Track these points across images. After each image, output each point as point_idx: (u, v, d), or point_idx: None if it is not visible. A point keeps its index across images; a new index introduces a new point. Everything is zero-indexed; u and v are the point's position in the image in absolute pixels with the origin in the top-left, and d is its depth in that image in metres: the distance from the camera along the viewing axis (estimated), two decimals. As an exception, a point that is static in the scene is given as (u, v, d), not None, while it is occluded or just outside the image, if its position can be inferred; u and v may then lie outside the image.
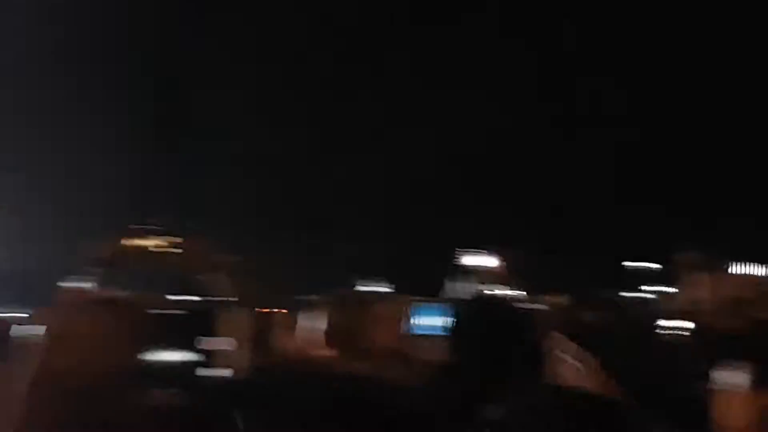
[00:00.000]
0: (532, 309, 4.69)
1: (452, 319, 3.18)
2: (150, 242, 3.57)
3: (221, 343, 2.04)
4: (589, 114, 24.63)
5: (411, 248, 22.86)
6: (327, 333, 5.17)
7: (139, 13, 24.31)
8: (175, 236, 3.68)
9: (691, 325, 6.55)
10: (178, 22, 24.47)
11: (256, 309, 4.11)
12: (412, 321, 4.33)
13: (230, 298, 3.65)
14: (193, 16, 24.44)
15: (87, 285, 4.44)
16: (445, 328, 3.18)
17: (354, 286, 7.43)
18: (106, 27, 25.12)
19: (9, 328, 6.94)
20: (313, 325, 5.22)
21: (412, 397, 2.67)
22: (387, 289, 6.50)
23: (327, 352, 4.49)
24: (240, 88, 24.34)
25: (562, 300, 6.13)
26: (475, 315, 3.17)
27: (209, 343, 2.01)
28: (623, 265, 18.45)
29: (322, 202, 24.48)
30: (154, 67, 25.21)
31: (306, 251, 22.73)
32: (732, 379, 2.29)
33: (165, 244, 3.60)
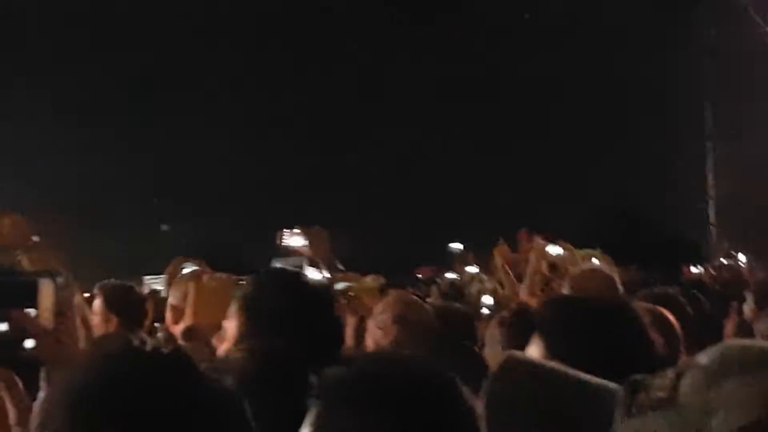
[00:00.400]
0: (330, 284, 4.79)
1: (251, 294, 3.24)
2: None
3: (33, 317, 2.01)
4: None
5: (231, 228, 22.74)
6: (150, 312, 5.15)
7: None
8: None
9: (506, 302, 6.82)
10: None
11: (73, 288, 4.03)
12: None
13: (43, 276, 3.55)
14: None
15: None
16: (246, 304, 3.24)
17: (177, 267, 7.37)
18: None
19: None
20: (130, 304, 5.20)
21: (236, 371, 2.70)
22: (208, 269, 6.49)
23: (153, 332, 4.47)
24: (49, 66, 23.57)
25: (379, 280, 6.28)
26: (267, 289, 3.24)
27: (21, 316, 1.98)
28: (447, 246, 18.86)
29: (142, 182, 24.01)
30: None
31: (128, 231, 22.28)
32: (535, 352, 2.42)
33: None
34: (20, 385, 2.18)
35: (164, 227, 24.08)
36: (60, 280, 2.14)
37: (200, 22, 24.51)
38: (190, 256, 7.11)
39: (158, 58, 24.46)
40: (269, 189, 23.70)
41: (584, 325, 2.34)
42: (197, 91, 24.67)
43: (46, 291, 1.80)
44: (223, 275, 4.87)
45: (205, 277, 4.71)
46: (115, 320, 5.06)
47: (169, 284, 7.06)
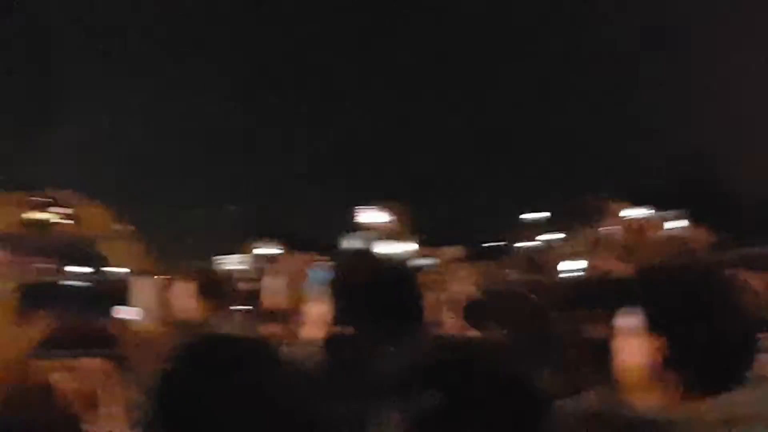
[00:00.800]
0: (410, 262, 4.73)
1: (333, 276, 3.21)
2: (45, 213, 3.44)
3: (128, 314, 1.99)
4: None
5: (304, 207, 22.83)
6: (230, 297, 5.14)
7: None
8: (69, 206, 3.55)
9: (587, 270, 6.72)
10: None
11: (158, 276, 4.05)
12: (312, 280, 4.33)
13: (130, 267, 3.60)
14: None
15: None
16: (328, 287, 3.21)
17: (250, 248, 7.42)
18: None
19: None
20: (217, 290, 5.21)
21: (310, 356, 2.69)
22: (282, 250, 6.50)
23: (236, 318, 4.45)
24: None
25: (457, 252, 6.23)
26: (352, 271, 3.20)
27: (116, 313, 1.97)
28: (520, 216, 18.72)
29: (206, 167, 24.20)
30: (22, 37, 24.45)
31: (194, 216, 22.50)
32: (627, 323, 2.35)
33: (60, 214, 3.47)
34: (118, 377, 2.19)
35: (231, 207, 24.26)
36: (154, 277, 2.15)
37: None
38: (261, 236, 7.14)
39: (245, 42, 24.56)
40: (342, 165, 23.67)
41: (682, 294, 2.27)
42: (270, 73, 24.72)
43: (142, 289, 1.81)
44: (300, 255, 4.86)
45: (281, 258, 4.71)
46: (200, 303, 5.08)
47: (245, 265, 7.11)
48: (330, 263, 3.57)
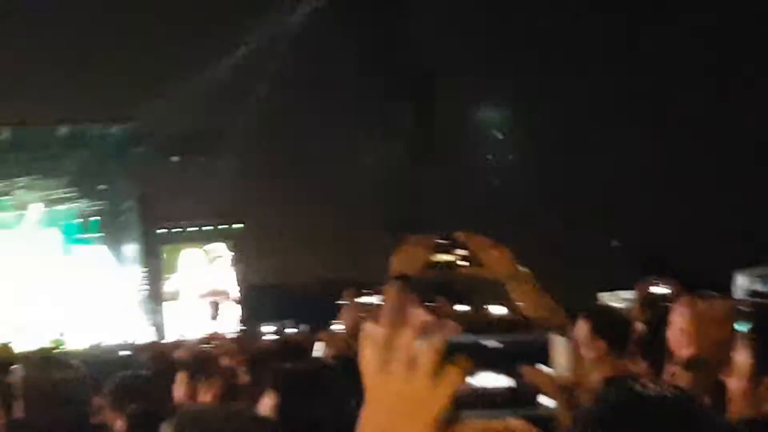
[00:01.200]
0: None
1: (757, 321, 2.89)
2: (448, 255, 3.39)
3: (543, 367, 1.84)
4: None
5: (697, 244, 21.86)
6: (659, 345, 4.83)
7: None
8: (469, 247, 3.47)
9: None
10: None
11: (568, 327, 3.87)
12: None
13: (534, 312, 3.45)
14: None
15: (379, 299, 4.39)
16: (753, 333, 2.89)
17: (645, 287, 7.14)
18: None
19: (311, 346, 7.04)
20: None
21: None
22: (679, 289, 6.16)
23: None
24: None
25: None
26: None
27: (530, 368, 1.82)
28: None
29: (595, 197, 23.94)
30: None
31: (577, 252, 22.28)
32: None
33: (461, 256, 3.41)
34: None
35: (615, 243, 23.96)
36: (565, 330, 2.02)
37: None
38: (650, 273, 6.87)
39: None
40: (740, 201, 22.17)
41: None
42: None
43: (560, 348, 1.65)
44: (722, 299, 4.48)
45: (702, 301, 4.35)
46: (601, 346, 4.93)
47: (641, 304, 6.79)
48: (748, 307, 3.22)
